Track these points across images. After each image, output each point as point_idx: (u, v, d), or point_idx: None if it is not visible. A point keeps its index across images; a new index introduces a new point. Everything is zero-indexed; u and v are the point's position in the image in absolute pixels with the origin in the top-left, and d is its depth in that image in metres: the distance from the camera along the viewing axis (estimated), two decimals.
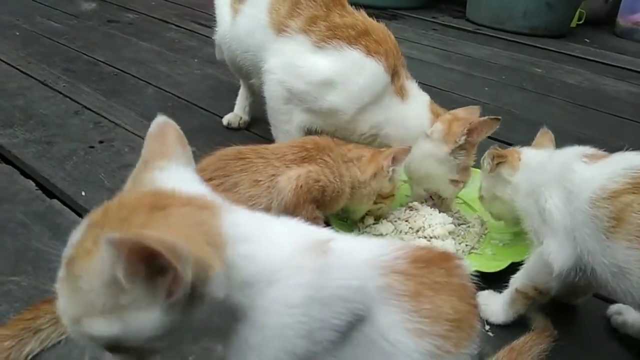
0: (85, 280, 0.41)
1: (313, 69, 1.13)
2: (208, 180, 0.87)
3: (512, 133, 1.69)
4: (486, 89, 2.16)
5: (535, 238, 0.88)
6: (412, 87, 1.19)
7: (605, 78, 2.49)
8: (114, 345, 0.43)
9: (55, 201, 1.13)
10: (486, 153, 1.02)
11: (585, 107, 2.07)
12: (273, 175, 0.93)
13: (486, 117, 1.10)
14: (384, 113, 1.15)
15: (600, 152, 0.86)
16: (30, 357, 0.73)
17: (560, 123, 1.87)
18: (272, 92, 1.20)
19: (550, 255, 0.81)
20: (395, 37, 1.20)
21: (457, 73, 2.34)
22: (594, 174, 0.79)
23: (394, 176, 1.07)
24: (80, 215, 1.08)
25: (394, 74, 1.15)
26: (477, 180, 1.24)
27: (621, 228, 0.71)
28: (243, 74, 1.45)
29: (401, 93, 1.16)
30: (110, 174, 1.26)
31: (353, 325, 0.47)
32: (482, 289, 0.94)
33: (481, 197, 1.09)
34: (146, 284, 0.40)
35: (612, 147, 0.88)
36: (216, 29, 1.42)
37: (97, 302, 0.41)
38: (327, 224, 1.05)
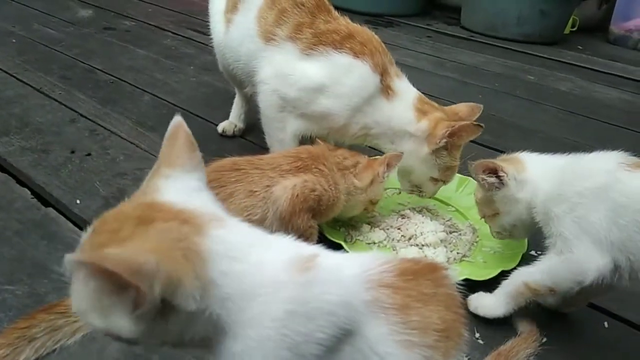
0: (78, 282, 0.45)
1: (304, 76, 1.15)
2: None
3: (504, 140, 1.71)
4: (480, 96, 2.18)
5: (563, 244, 0.86)
6: (400, 85, 1.18)
7: (597, 85, 2.51)
8: (112, 335, 0.46)
9: (50, 209, 1.14)
10: (474, 174, 0.99)
11: (577, 115, 2.09)
12: (268, 185, 0.94)
13: (469, 122, 1.11)
14: (373, 113, 1.16)
15: (634, 158, 0.86)
16: None
17: (552, 130, 1.90)
18: (266, 101, 1.22)
19: (586, 265, 0.82)
20: (390, 44, 1.22)
21: (450, 80, 2.36)
22: None
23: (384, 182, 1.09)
24: (76, 224, 1.10)
25: (383, 72, 1.15)
26: (470, 187, 1.27)
27: None
28: (237, 83, 1.47)
29: (387, 93, 1.16)
30: (106, 182, 1.26)
31: (340, 340, 0.48)
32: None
33: (493, 216, 1.02)
34: (114, 296, 0.43)
35: None
36: (211, 37, 1.43)
37: (88, 301, 0.45)
38: (321, 232, 1.07)
